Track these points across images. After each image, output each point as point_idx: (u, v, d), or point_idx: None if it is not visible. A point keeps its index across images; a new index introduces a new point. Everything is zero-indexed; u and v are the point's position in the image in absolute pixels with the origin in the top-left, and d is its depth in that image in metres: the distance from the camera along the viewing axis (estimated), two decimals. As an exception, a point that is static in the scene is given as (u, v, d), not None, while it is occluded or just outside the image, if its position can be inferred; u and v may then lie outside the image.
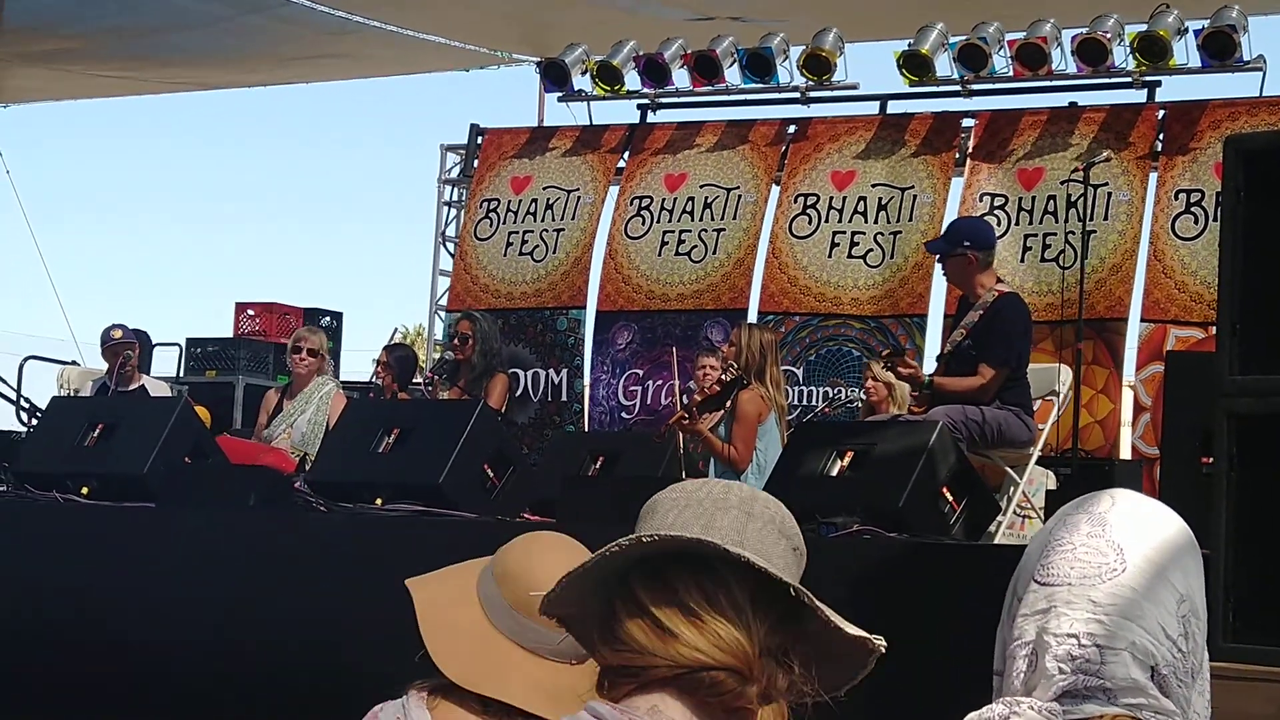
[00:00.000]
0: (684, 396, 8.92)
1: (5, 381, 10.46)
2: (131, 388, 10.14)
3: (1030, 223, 11.29)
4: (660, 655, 1.83)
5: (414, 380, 10.52)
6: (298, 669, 6.88)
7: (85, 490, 7.78)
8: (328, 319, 14.00)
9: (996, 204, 11.40)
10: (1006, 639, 1.99)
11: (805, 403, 11.60)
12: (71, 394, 10.68)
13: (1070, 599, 1.92)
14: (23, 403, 10.20)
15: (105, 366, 10.50)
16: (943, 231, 8.59)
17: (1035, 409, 8.09)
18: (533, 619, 2.43)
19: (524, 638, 2.47)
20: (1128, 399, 10.94)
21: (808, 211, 12.04)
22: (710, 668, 1.83)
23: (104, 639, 7.36)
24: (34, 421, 9.43)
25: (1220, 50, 11.03)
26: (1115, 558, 1.94)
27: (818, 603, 1.88)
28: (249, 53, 14.81)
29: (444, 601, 2.53)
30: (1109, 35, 11.34)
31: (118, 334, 10.31)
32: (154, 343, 12.08)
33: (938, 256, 8.38)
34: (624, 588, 1.88)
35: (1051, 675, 1.91)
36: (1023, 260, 11.12)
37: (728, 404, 8.26)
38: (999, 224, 11.04)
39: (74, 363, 11.94)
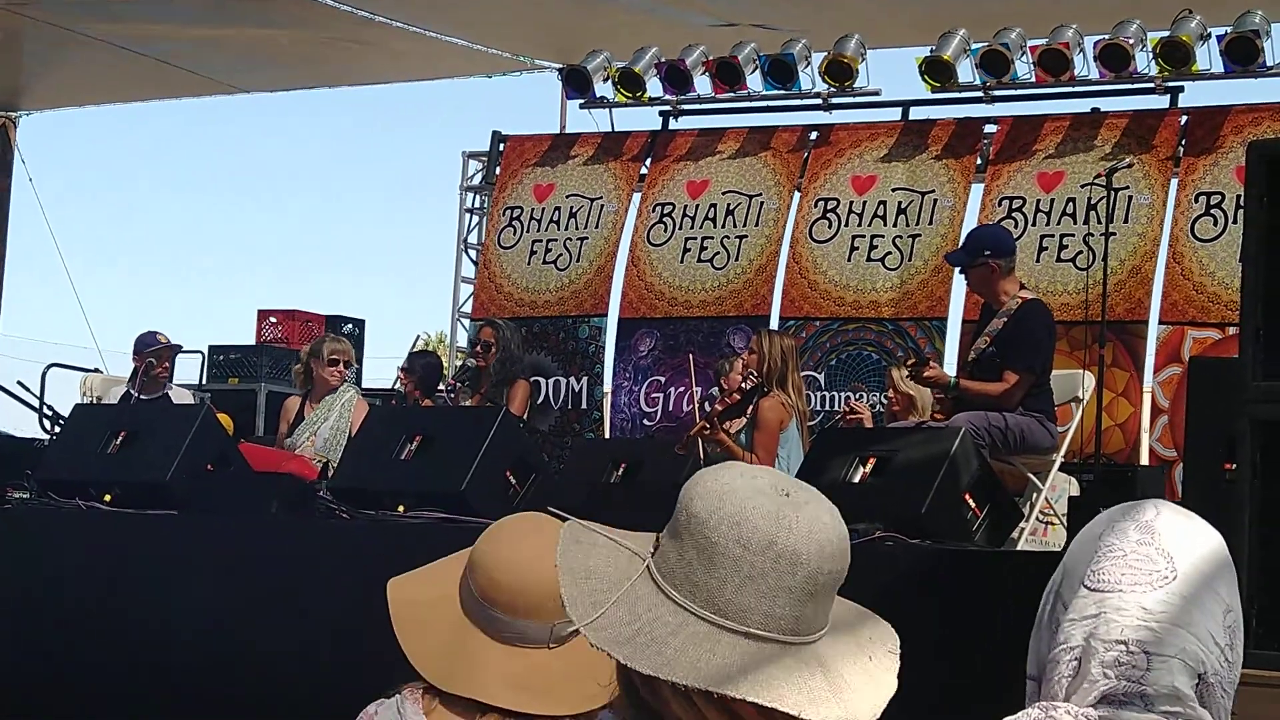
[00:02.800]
0: (705, 404, 8.92)
1: (28, 389, 10.46)
2: (154, 395, 10.15)
3: (1048, 224, 11.29)
4: None
5: (438, 388, 10.54)
6: (321, 676, 6.89)
7: (108, 498, 7.78)
8: (350, 326, 14.02)
9: (1014, 206, 11.40)
10: (1045, 644, 1.99)
11: (828, 408, 11.60)
12: (94, 401, 10.69)
13: (1121, 605, 1.93)
14: (46, 410, 10.21)
15: (127, 374, 10.49)
16: (961, 241, 8.58)
17: (1057, 413, 8.08)
18: (498, 609, 2.40)
19: (493, 628, 2.42)
20: (1147, 403, 10.92)
21: (828, 215, 12.05)
22: None
23: (127, 646, 7.38)
24: (57, 429, 9.43)
25: (1243, 56, 11.01)
26: (1166, 565, 1.94)
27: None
28: (276, 53, 14.83)
29: (422, 599, 2.50)
30: (1131, 41, 11.33)
31: (163, 339, 10.34)
32: (180, 350, 12.10)
33: (957, 269, 8.38)
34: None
35: (1095, 680, 1.91)
36: (1038, 260, 11.12)
37: (749, 411, 8.26)
38: (1016, 225, 11.05)
39: (97, 370, 11.95)
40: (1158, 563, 1.94)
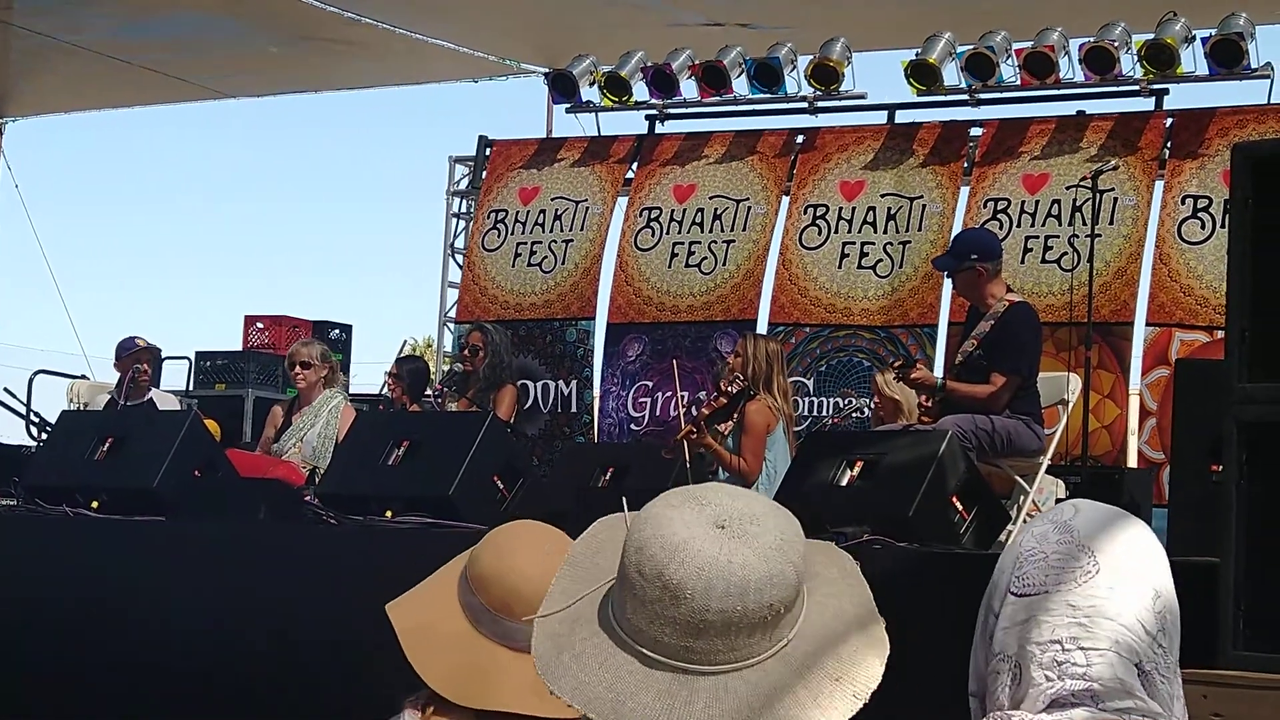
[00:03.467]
0: (691, 409, 8.92)
1: (15, 396, 10.47)
2: (142, 400, 10.15)
3: (1033, 225, 11.30)
4: None
5: (425, 393, 10.54)
6: (309, 681, 6.89)
7: (95, 504, 7.77)
8: (337, 331, 14.03)
9: (1000, 207, 11.42)
10: (982, 659, 1.99)
11: (816, 413, 11.60)
12: (81, 408, 10.69)
13: (1049, 606, 1.93)
14: (33, 417, 10.21)
15: (114, 381, 10.50)
16: (949, 247, 8.58)
17: (1043, 415, 8.10)
18: (514, 619, 2.41)
19: (510, 639, 2.44)
20: (1134, 405, 10.93)
21: (817, 223, 12.05)
22: None
23: (115, 652, 7.37)
24: (44, 435, 9.43)
25: (1228, 58, 11.02)
26: (1088, 560, 1.95)
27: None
28: (262, 58, 14.81)
29: (426, 619, 2.50)
30: (1116, 44, 11.33)
31: (141, 341, 10.34)
32: (164, 356, 12.10)
33: (944, 273, 8.39)
34: None
35: (1039, 685, 1.91)
36: (1023, 262, 11.13)
37: (735, 415, 8.26)
38: (1001, 227, 11.07)
39: (83, 377, 11.95)
40: (1080, 559, 1.95)
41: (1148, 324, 10.86)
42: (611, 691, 1.75)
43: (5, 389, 10.32)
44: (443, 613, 2.49)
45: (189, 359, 13.34)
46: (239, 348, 13.73)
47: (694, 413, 8.70)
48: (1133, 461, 10.71)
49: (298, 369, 9.62)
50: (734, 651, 1.76)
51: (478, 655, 2.44)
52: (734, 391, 8.20)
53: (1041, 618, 1.92)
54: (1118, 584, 1.92)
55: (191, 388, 13.05)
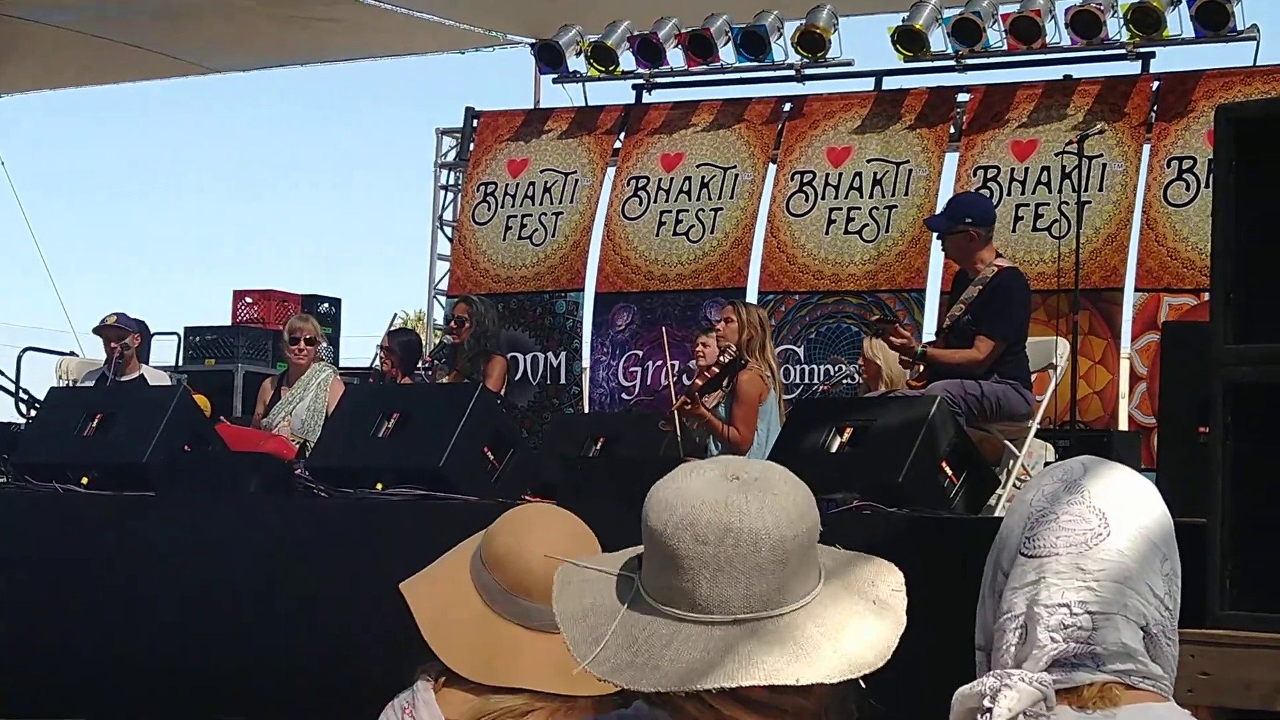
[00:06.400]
0: (681, 378, 8.92)
1: (4, 373, 10.45)
2: (130, 377, 10.14)
3: (1023, 193, 11.30)
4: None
5: (417, 366, 10.54)
6: (300, 654, 6.90)
7: (85, 480, 7.76)
8: (326, 305, 14.02)
9: (989, 175, 11.42)
10: (990, 614, 2.00)
11: (808, 381, 11.61)
12: (70, 384, 10.67)
13: (1059, 569, 1.94)
14: (22, 394, 10.19)
15: (104, 357, 10.50)
16: (944, 210, 8.56)
17: (1033, 381, 8.10)
18: (532, 599, 2.42)
19: (528, 619, 2.44)
20: (1124, 369, 10.94)
21: (804, 189, 12.05)
22: None
23: (105, 626, 7.39)
24: (33, 412, 9.42)
25: (1214, 20, 11.00)
26: (1099, 523, 1.95)
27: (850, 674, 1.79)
28: (245, 30, 14.78)
29: (441, 600, 2.50)
30: (1102, 7, 11.32)
31: (111, 319, 10.30)
32: (152, 332, 12.09)
33: (936, 233, 8.37)
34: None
35: (1043, 645, 1.92)
36: (1014, 230, 11.13)
37: (726, 384, 8.27)
38: (991, 195, 11.05)
39: (72, 353, 11.92)
40: (1090, 521, 1.95)
41: (1136, 289, 10.87)
42: (630, 650, 1.75)
43: (-6, 368, 10.31)
44: (458, 594, 2.48)
45: (178, 334, 13.33)
46: (228, 323, 13.73)
47: (685, 383, 8.70)
48: (1124, 426, 10.73)
49: (302, 345, 9.61)
50: (805, 581, 1.77)
51: (497, 636, 2.44)
52: (725, 361, 8.20)
53: (1051, 580, 1.93)
54: (1127, 547, 1.93)
55: (181, 363, 13.05)
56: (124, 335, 10.24)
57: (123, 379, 10.06)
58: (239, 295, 14.09)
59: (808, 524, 1.79)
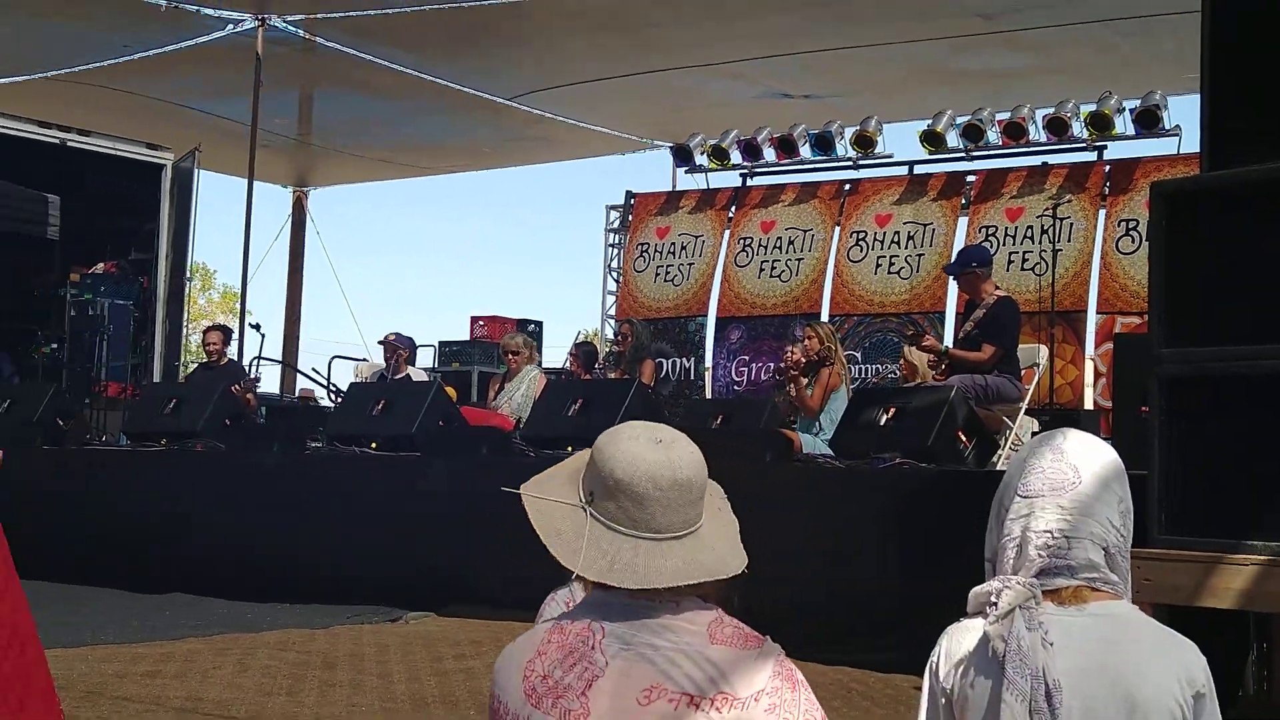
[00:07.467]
0: (776, 375, 8.86)
1: (319, 372, 10.67)
2: (401, 376, 10.30)
3: (1014, 244, 11.15)
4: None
5: (594, 366, 10.61)
6: (492, 558, 6.93)
7: (374, 445, 7.90)
8: (533, 325, 14.16)
9: (990, 232, 11.28)
10: (995, 536, 1.99)
11: (864, 377, 11.55)
12: (364, 380, 10.87)
13: (1044, 506, 1.92)
14: (331, 387, 10.39)
15: (384, 363, 10.66)
16: (954, 257, 8.46)
17: (1022, 375, 8.00)
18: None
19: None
20: (1089, 368, 10.78)
21: (860, 244, 11.98)
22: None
23: (379, 541, 7.47)
24: (339, 400, 9.60)
25: (1149, 122, 10.87)
26: (1073, 475, 1.93)
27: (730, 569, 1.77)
28: (479, 142, 15.01)
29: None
30: (1069, 114, 11.19)
31: (390, 337, 10.48)
32: (417, 345, 12.30)
33: (952, 277, 8.28)
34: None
35: (1032, 559, 1.90)
36: (1008, 270, 10.98)
37: (816, 373, 8.20)
38: (991, 246, 10.93)
39: (365, 360, 12.15)
40: (1068, 474, 1.93)
41: (1098, 312, 10.70)
42: (606, 559, 1.73)
43: (314, 369, 10.53)
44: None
45: (434, 346, 13.54)
46: (468, 338, 13.91)
47: (778, 377, 8.64)
48: (1089, 407, 10.55)
49: (510, 355, 9.71)
50: (683, 523, 1.76)
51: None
52: (816, 360, 8.17)
53: (1039, 513, 1.90)
54: (1092, 491, 1.90)
55: (436, 366, 13.25)
56: (398, 348, 10.39)
57: (397, 377, 10.22)
58: (475, 319, 14.27)
59: (705, 469, 1.80)
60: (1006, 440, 7.59)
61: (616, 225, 13.94)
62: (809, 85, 12.29)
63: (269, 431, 8.55)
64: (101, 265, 12.71)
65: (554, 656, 1.71)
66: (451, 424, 8.11)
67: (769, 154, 12.79)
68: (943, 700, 1.94)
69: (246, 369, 10.76)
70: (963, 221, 11.60)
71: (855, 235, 12.04)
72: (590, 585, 1.79)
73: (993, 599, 1.89)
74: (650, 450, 1.77)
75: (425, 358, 13.26)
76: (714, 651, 1.70)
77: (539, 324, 14.37)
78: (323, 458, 8.11)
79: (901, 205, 11.89)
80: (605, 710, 1.66)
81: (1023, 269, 11.04)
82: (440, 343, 13.55)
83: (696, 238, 12.99)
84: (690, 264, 12.95)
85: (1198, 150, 4.47)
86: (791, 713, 1.69)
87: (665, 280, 13.07)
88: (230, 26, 11.97)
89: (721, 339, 12.65)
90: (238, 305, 15.26)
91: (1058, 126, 11.24)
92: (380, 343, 10.47)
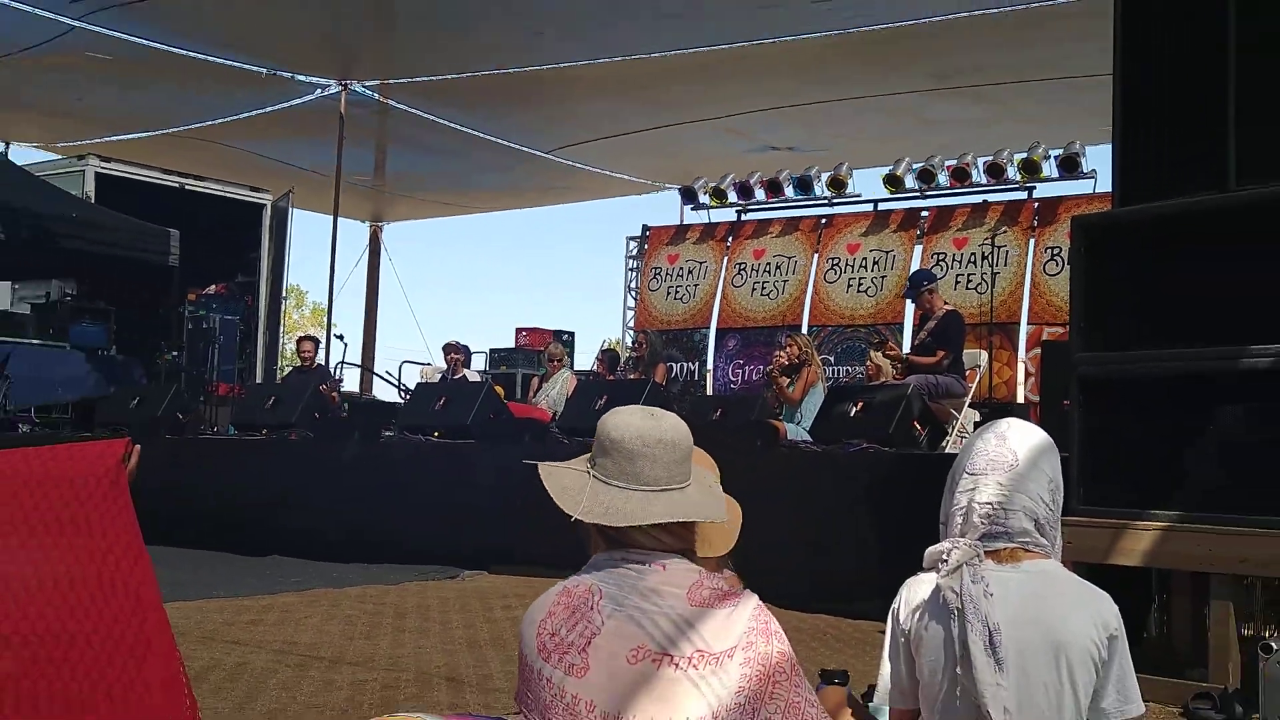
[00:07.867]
0: (767, 374, 8.86)
1: (392, 374, 10.70)
2: (459, 376, 10.32)
3: (960, 268, 11.11)
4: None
5: (617, 369, 10.60)
6: (529, 528, 6.91)
7: (436, 435, 7.90)
8: (567, 335, 14.16)
9: (940, 258, 11.24)
10: (947, 506, 2.00)
11: (836, 376, 11.53)
12: (428, 381, 10.89)
13: (987, 482, 1.92)
14: (402, 386, 10.42)
15: (445, 366, 10.69)
16: (909, 281, 8.46)
17: (966, 375, 7.97)
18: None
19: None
20: (1021, 369, 10.74)
21: (834, 268, 11.95)
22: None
23: (438, 513, 7.47)
24: (407, 397, 9.63)
25: (1070, 167, 10.81)
26: (1012, 457, 1.94)
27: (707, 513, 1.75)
28: (523, 186, 15.04)
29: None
30: (1005, 160, 11.15)
31: (451, 345, 10.49)
32: (472, 351, 12.33)
33: (908, 298, 8.27)
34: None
35: (976, 525, 1.91)
36: (955, 289, 10.93)
37: (797, 373, 8.19)
38: (942, 270, 10.90)
39: (429, 363, 12.17)
40: (1007, 456, 1.93)
41: (1028, 323, 10.66)
42: (601, 506, 1.72)
43: (387, 371, 10.58)
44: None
45: (486, 353, 13.55)
46: (513, 345, 13.92)
47: (773, 365, 8.64)
48: (1021, 401, 10.51)
49: (552, 361, 9.71)
50: (669, 478, 1.74)
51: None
52: (797, 361, 8.17)
53: (983, 488, 1.91)
54: (1029, 472, 1.90)
55: (487, 368, 13.26)
56: (456, 353, 10.42)
57: (455, 378, 10.24)
58: (519, 330, 14.28)
59: (690, 438, 1.78)
60: (953, 429, 7.58)
61: (635, 253, 13.94)
62: (792, 138, 12.33)
63: (350, 424, 8.58)
64: (213, 287, 12.82)
65: (561, 616, 1.67)
66: (500, 417, 8.11)
67: (759, 194, 12.76)
68: (902, 640, 1.95)
69: (332, 372, 10.81)
70: (918, 249, 11.57)
71: (830, 261, 12.02)
72: (593, 543, 1.76)
73: (944, 556, 1.90)
74: (641, 418, 1.77)
75: (479, 362, 13.27)
76: (691, 612, 1.65)
77: (571, 334, 14.36)
78: (394, 445, 8.12)
79: (868, 236, 11.87)
80: (602, 665, 1.63)
81: (967, 288, 11.01)
82: (491, 350, 13.57)
83: (700, 263, 12.99)
84: (695, 284, 12.94)
85: (1110, 190, 4.47)
86: (764, 664, 1.64)
87: (675, 298, 13.06)
88: (319, 90, 12.05)
89: (721, 346, 12.64)
90: (325, 319, 15.30)
91: (995, 171, 11.20)
92: (442, 349, 10.49)
